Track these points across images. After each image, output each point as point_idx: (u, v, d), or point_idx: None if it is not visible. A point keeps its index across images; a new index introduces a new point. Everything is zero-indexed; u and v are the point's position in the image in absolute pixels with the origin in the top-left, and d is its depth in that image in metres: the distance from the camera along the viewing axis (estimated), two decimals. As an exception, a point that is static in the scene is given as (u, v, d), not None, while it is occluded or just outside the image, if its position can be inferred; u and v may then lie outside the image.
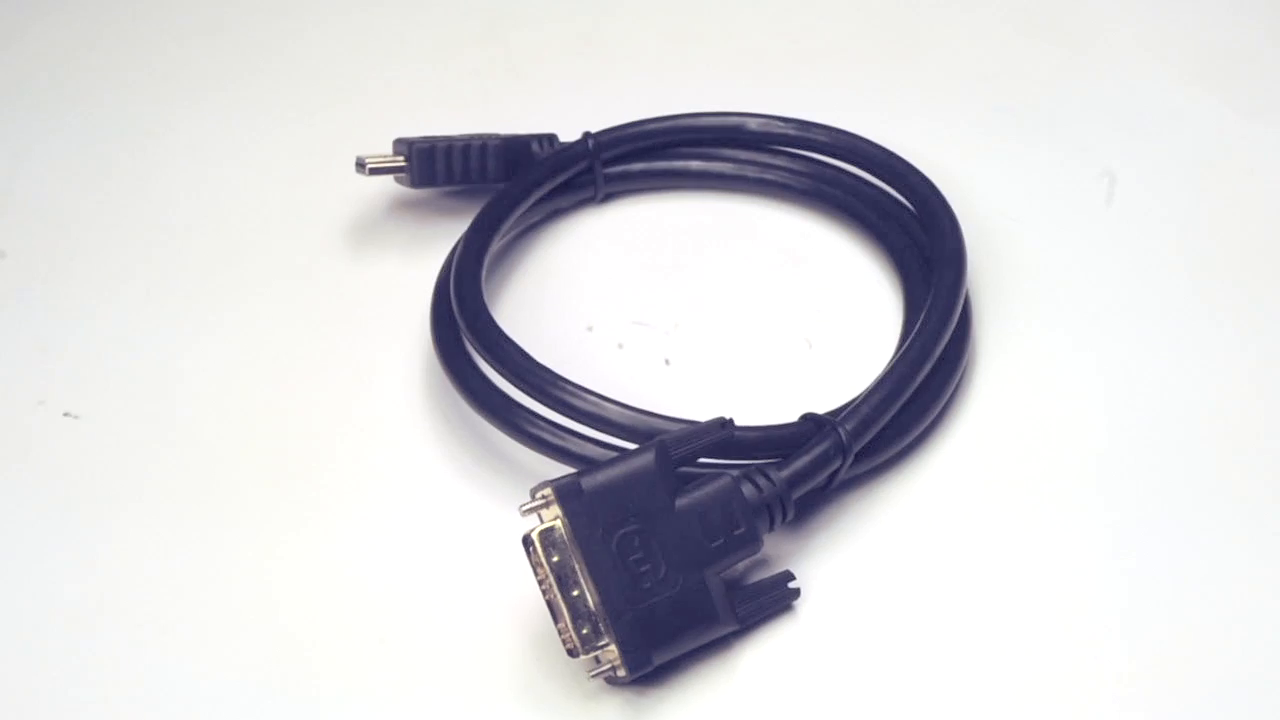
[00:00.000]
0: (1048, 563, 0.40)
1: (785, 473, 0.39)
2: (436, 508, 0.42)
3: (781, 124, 0.50)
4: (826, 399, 0.43)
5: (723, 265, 0.49)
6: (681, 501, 0.38)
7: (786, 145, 0.50)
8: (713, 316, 0.47)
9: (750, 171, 0.50)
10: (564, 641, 0.37)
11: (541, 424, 0.41)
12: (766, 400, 0.44)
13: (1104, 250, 0.49)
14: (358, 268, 0.49)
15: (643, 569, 0.37)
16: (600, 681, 0.38)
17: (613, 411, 0.40)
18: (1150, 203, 0.50)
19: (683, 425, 0.40)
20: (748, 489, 0.39)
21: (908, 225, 0.48)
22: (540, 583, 0.37)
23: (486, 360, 0.43)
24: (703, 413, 0.40)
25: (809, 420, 0.41)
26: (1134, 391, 0.44)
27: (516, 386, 0.42)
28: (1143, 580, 0.39)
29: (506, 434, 0.42)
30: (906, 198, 0.48)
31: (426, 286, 0.47)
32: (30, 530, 0.42)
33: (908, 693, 0.38)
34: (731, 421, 0.40)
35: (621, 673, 0.37)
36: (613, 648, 0.37)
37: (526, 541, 0.37)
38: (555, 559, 0.37)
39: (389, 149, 0.49)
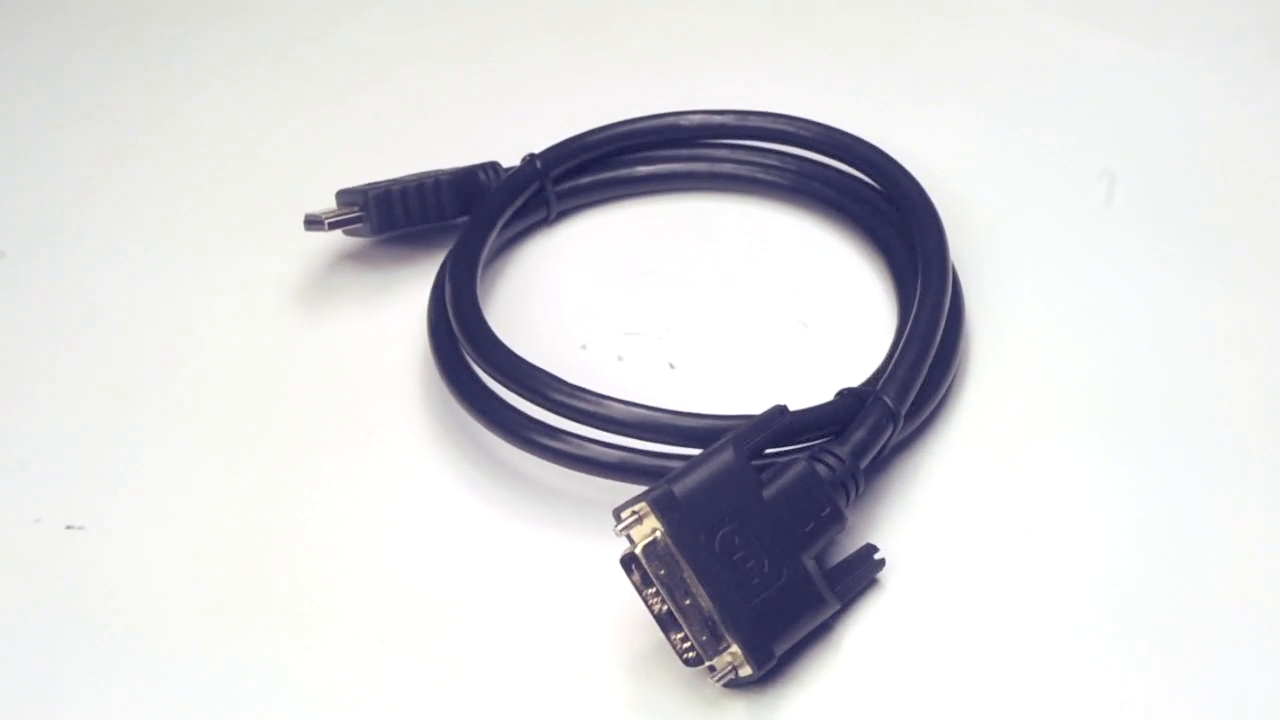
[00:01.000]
0: (1093, 490, 0.41)
1: (849, 447, 0.40)
2: (437, 515, 0.42)
3: (719, 116, 0.50)
4: (835, 376, 0.43)
5: (695, 264, 0.49)
6: (767, 492, 0.38)
7: (727, 136, 0.50)
8: (702, 315, 0.47)
9: (698, 168, 0.50)
10: (682, 652, 0.36)
11: (578, 442, 0.41)
12: (779, 386, 0.44)
13: (1104, 250, 0.48)
14: (325, 325, 0.47)
15: (748, 565, 0.37)
16: (718, 688, 0.37)
17: (665, 418, 0.40)
18: (1150, 203, 0.50)
19: (727, 420, 0.40)
20: (822, 469, 0.39)
21: (869, 198, 0.48)
22: (650, 598, 0.36)
23: (521, 394, 0.42)
24: (721, 408, 0.40)
25: (848, 395, 0.42)
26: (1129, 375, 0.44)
27: (558, 414, 0.41)
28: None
29: (548, 459, 0.41)
30: (862, 170, 0.49)
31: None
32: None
33: (1005, 643, 0.38)
34: (786, 408, 0.40)
35: (746, 671, 0.36)
36: (735, 649, 0.36)
37: (629, 560, 0.36)
38: (663, 571, 0.36)
39: (316, 205, 0.47)
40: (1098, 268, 0.48)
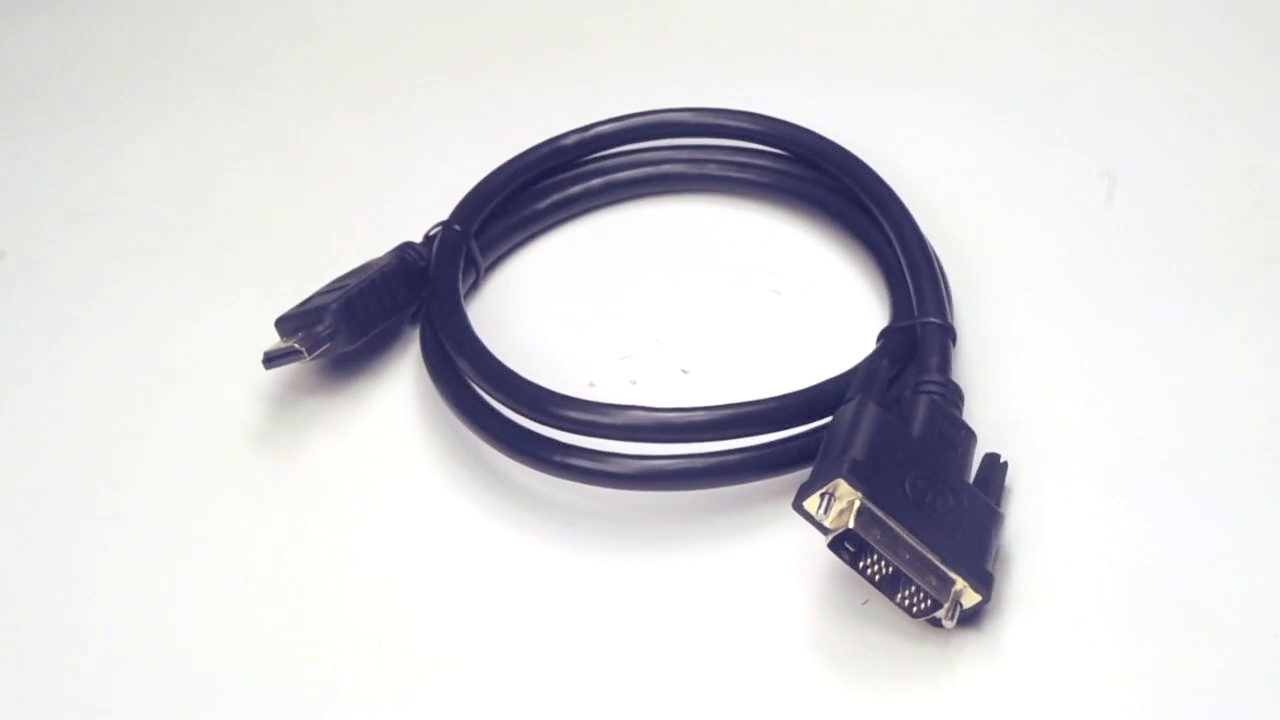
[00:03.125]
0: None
1: (936, 371, 0.41)
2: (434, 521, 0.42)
3: (595, 128, 0.50)
4: (835, 335, 0.45)
5: (644, 272, 0.48)
6: (915, 433, 0.39)
7: (607, 146, 0.50)
8: (681, 316, 0.47)
9: (594, 184, 0.50)
10: (913, 605, 0.37)
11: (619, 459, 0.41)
12: (790, 357, 0.45)
13: (1105, 250, 0.48)
14: (304, 452, 0.44)
15: (938, 502, 0.37)
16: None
17: (754, 409, 0.40)
18: (1150, 202, 0.49)
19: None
20: (936, 396, 0.40)
21: (782, 170, 0.49)
22: (869, 567, 0.37)
23: (594, 433, 0.41)
24: (759, 392, 0.41)
25: (893, 332, 0.43)
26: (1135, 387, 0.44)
27: (625, 439, 0.40)
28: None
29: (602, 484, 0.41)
30: (786, 150, 0.49)
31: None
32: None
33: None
34: (879, 356, 0.41)
35: (974, 600, 0.37)
36: (961, 582, 0.37)
37: (840, 539, 0.36)
38: (878, 534, 0.36)
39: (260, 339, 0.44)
40: (1098, 269, 0.47)
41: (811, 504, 0.37)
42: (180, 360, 0.47)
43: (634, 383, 0.45)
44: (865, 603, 0.38)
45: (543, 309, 0.47)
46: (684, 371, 0.45)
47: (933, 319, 0.42)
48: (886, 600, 0.37)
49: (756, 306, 0.47)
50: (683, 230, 0.50)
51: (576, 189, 0.50)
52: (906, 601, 0.37)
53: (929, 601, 0.37)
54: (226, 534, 0.42)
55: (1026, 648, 0.37)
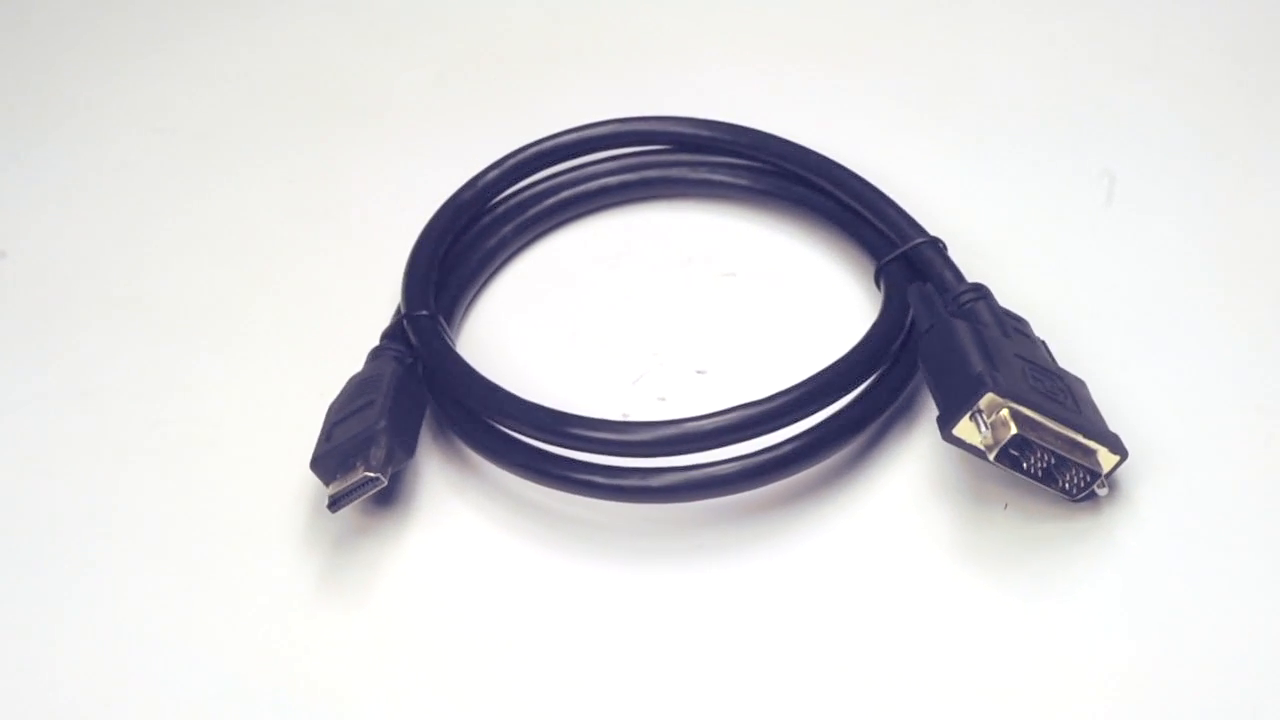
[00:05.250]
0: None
1: (956, 280, 0.44)
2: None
3: (488, 173, 0.49)
4: (819, 307, 0.46)
5: (605, 294, 0.48)
6: (998, 334, 0.41)
7: (504, 187, 0.49)
8: (665, 324, 0.47)
9: (530, 212, 0.49)
10: (1073, 487, 0.39)
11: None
12: (799, 335, 0.46)
13: (1104, 250, 0.48)
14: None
15: (1055, 388, 0.40)
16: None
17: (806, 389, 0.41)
18: (1150, 203, 0.49)
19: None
20: (984, 299, 0.42)
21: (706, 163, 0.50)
22: (1034, 464, 0.39)
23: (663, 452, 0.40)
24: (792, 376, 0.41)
25: (892, 264, 0.45)
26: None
27: (710, 447, 0.40)
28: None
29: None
30: (693, 146, 0.50)
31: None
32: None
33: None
34: (922, 283, 0.43)
35: (1112, 462, 0.39)
36: (1103, 451, 0.39)
37: (1011, 445, 0.38)
38: (1033, 434, 0.38)
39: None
40: (1098, 268, 0.47)
41: (963, 429, 0.38)
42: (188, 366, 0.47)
43: (662, 399, 0.44)
44: (1006, 506, 0.41)
45: (526, 361, 0.46)
46: (700, 372, 0.45)
47: (916, 239, 0.45)
48: (1033, 496, 0.40)
49: (717, 294, 0.47)
50: (622, 242, 0.49)
51: (507, 229, 0.49)
52: (1067, 486, 0.39)
53: (1085, 477, 0.39)
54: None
55: (1162, 505, 0.40)
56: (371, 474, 0.39)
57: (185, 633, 0.40)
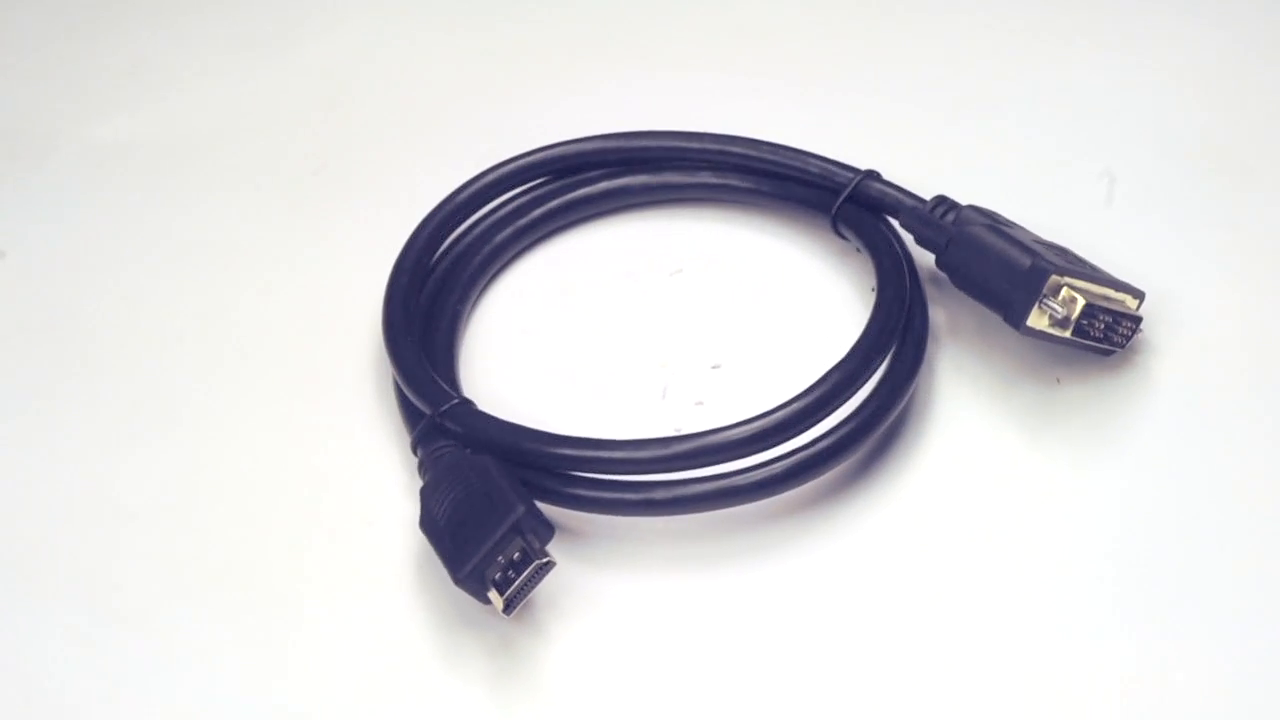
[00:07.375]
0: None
1: (915, 200, 0.46)
2: None
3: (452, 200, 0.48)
4: (825, 268, 0.48)
5: (594, 311, 0.48)
6: (998, 225, 0.44)
7: (467, 216, 0.49)
8: (660, 331, 0.47)
9: (499, 237, 0.49)
10: (1119, 339, 0.43)
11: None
12: (807, 317, 0.47)
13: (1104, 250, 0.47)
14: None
15: (1070, 256, 0.43)
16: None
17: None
18: (1150, 203, 0.49)
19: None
20: (962, 208, 0.45)
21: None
22: (1096, 327, 0.42)
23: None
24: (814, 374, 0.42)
25: (844, 205, 0.46)
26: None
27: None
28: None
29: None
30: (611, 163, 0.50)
31: None
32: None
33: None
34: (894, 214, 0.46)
35: (1135, 304, 0.43)
36: (1128, 299, 0.43)
37: (1083, 314, 0.41)
38: (1090, 298, 0.41)
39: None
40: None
41: (1035, 318, 0.41)
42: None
43: (700, 404, 0.45)
44: (1059, 380, 0.44)
45: (545, 397, 0.45)
46: (715, 367, 0.46)
47: (850, 174, 0.46)
48: (1087, 361, 0.43)
49: (698, 293, 0.48)
50: (595, 259, 0.49)
51: (475, 262, 0.48)
52: (1117, 338, 0.43)
53: (1129, 325, 0.43)
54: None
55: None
56: (543, 560, 0.38)
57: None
